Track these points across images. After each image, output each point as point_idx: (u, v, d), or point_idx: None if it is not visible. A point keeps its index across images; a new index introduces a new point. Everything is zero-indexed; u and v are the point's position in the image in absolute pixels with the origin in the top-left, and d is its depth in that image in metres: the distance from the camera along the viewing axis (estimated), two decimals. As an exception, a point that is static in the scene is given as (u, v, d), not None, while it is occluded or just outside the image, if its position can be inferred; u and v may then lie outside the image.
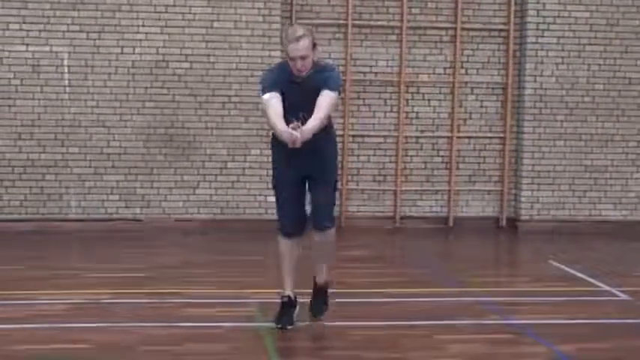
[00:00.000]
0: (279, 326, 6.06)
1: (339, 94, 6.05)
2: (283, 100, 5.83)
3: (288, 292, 6.21)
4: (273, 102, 5.81)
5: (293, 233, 6.17)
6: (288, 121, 5.75)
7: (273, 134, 6.06)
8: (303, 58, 5.77)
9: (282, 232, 6.20)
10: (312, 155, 5.90)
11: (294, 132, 5.57)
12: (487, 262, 9.70)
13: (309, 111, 5.78)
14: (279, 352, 5.71)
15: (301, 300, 6.32)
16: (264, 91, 5.88)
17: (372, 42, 11.25)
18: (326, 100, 5.83)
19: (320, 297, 6.35)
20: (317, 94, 5.81)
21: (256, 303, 6.85)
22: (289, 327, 6.08)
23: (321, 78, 5.88)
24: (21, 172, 10.48)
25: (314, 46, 5.85)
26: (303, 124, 5.70)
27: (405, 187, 11.40)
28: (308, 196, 6.16)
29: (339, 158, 11.06)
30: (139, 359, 5.53)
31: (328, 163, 6.16)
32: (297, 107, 5.81)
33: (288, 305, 6.18)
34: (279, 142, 5.85)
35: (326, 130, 6.00)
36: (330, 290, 6.44)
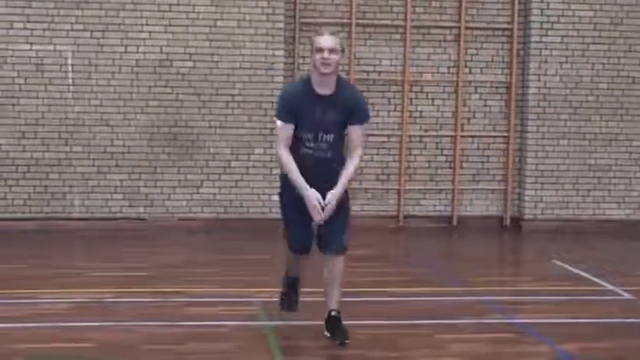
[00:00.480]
0: (285, 310, 6.18)
1: (369, 120, 5.99)
2: (302, 119, 5.67)
3: (295, 275, 6.21)
4: (284, 138, 5.70)
5: (301, 252, 6.03)
6: (302, 139, 5.68)
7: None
8: (331, 51, 5.61)
9: (291, 250, 6.07)
10: (326, 180, 5.73)
11: (318, 207, 5.60)
12: (490, 262, 9.70)
13: (327, 132, 5.68)
14: (283, 350, 5.71)
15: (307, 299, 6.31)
16: (278, 116, 5.75)
17: (376, 41, 11.25)
18: (360, 145, 5.78)
19: (339, 323, 5.92)
20: (341, 115, 5.68)
21: (260, 302, 6.85)
22: (296, 307, 6.20)
23: (352, 101, 5.75)
24: (25, 170, 10.49)
25: (343, 51, 5.74)
26: (318, 147, 5.67)
27: (408, 186, 11.39)
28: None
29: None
30: (142, 358, 5.54)
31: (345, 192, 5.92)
32: (317, 126, 5.68)
33: (291, 285, 6.22)
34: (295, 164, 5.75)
35: (341, 157, 5.88)
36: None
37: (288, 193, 5.85)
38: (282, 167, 5.83)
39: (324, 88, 5.71)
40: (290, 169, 5.71)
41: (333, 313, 5.89)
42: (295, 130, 5.72)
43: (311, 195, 5.64)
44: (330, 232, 5.81)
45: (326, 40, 5.63)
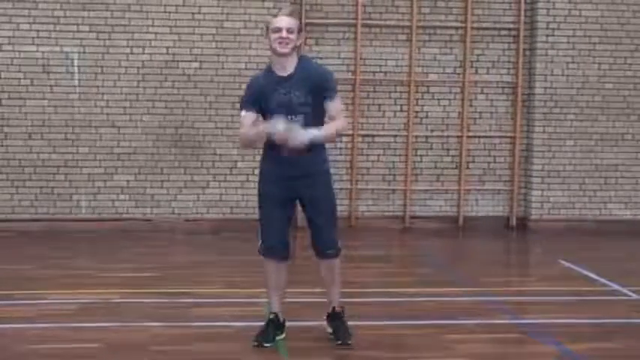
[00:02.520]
0: (255, 343, 5.72)
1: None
2: (268, 104, 5.55)
3: (275, 310, 5.89)
4: (246, 127, 5.59)
5: (280, 257, 5.80)
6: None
7: (263, 150, 5.77)
8: (289, 31, 5.48)
9: (268, 254, 5.82)
10: (308, 173, 5.63)
11: (283, 128, 5.36)
12: (497, 262, 9.68)
13: (295, 113, 5.51)
14: (290, 351, 5.71)
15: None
16: (241, 106, 5.68)
17: (382, 42, 11.24)
18: (339, 112, 5.64)
19: (342, 320, 5.91)
20: (306, 94, 5.53)
21: (265, 303, 6.85)
22: (266, 345, 5.72)
23: (315, 77, 5.59)
24: (31, 172, 10.51)
25: (301, 31, 5.61)
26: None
27: (414, 186, 11.39)
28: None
29: (349, 158, 11.10)
30: (149, 359, 5.54)
31: (326, 180, 5.79)
32: (285, 109, 5.50)
33: (273, 323, 5.85)
34: (271, 158, 5.67)
35: (323, 145, 5.73)
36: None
37: (267, 180, 5.74)
38: (244, 137, 5.68)
39: (285, 69, 5.58)
40: (250, 132, 5.56)
41: (337, 309, 5.90)
42: (265, 117, 5.59)
43: (267, 126, 5.45)
44: (321, 234, 5.73)
45: (283, 20, 5.53)
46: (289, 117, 5.49)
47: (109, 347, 5.72)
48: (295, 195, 5.75)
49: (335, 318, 5.92)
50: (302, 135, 5.43)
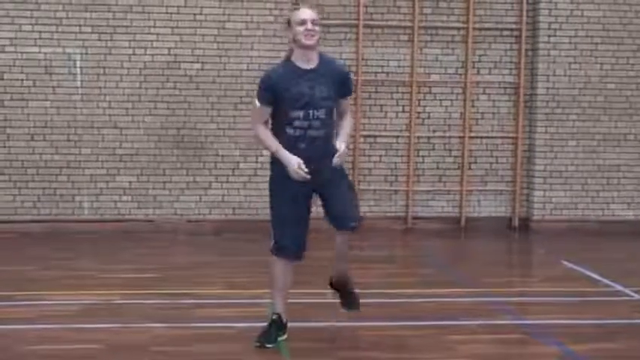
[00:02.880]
0: (257, 344, 5.69)
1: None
2: (287, 96, 5.46)
3: (279, 310, 5.85)
4: (260, 119, 5.55)
5: (293, 253, 5.70)
6: (290, 121, 5.46)
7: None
8: (314, 22, 5.47)
9: (281, 254, 5.70)
10: (323, 170, 5.50)
11: (302, 168, 5.36)
12: (499, 263, 9.67)
13: (318, 107, 5.46)
14: (292, 352, 5.70)
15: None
16: (258, 97, 5.57)
17: (384, 42, 11.24)
18: (349, 110, 5.71)
19: (351, 288, 5.97)
20: (329, 89, 5.50)
21: (268, 303, 6.84)
22: (269, 346, 5.69)
23: (339, 73, 5.62)
24: (34, 173, 10.52)
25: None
26: (310, 126, 5.46)
27: (416, 187, 11.38)
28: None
29: (351, 158, 11.10)
30: None
31: (341, 169, 5.71)
32: (307, 102, 5.45)
33: (276, 324, 5.81)
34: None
35: (332, 137, 5.66)
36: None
37: (280, 179, 5.59)
38: (262, 143, 5.66)
39: (309, 62, 5.56)
40: (270, 144, 5.51)
41: (347, 275, 5.93)
42: (280, 111, 5.51)
43: (292, 158, 5.40)
44: (344, 205, 5.61)
45: (307, 12, 5.53)
46: (312, 111, 5.47)
47: (111, 348, 5.72)
48: (309, 188, 5.60)
49: (344, 283, 5.96)
50: (343, 155, 5.50)
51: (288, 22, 5.61)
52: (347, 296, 6.01)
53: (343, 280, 5.98)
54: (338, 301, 6.06)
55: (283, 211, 5.65)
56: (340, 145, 5.51)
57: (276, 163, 5.61)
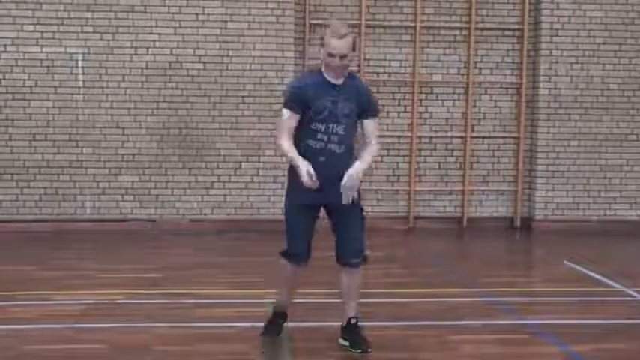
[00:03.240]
0: (266, 336, 5.83)
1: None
2: (313, 107, 5.47)
3: (284, 304, 5.92)
4: (287, 129, 5.49)
5: (302, 260, 5.73)
6: (312, 132, 5.48)
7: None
8: (342, 57, 5.43)
9: (291, 258, 5.72)
10: (337, 180, 5.40)
11: (313, 177, 5.29)
12: (501, 263, 9.67)
13: (338, 123, 5.49)
14: (293, 352, 5.71)
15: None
16: (285, 104, 5.57)
17: (386, 42, 11.25)
18: (375, 135, 5.62)
19: (359, 330, 5.80)
20: (353, 106, 5.51)
21: (270, 303, 6.84)
22: (279, 335, 5.83)
23: (364, 92, 5.60)
24: (36, 172, 10.53)
25: (354, 49, 5.54)
26: (329, 140, 5.45)
27: (418, 187, 11.39)
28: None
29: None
30: (153, 359, 5.55)
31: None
32: (329, 116, 5.48)
33: (277, 314, 5.91)
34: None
35: (353, 153, 5.65)
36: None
37: (295, 192, 5.60)
38: (283, 153, 5.59)
39: (337, 78, 5.55)
40: (289, 155, 5.46)
41: (352, 321, 5.77)
42: (304, 121, 5.51)
43: (304, 165, 5.33)
44: (350, 241, 5.62)
45: (339, 48, 5.41)
46: (332, 126, 5.49)
47: (113, 348, 5.72)
48: (323, 202, 5.62)
49: (352, 328, 5.78)
50: (357, 180, 5.40)
51: (322, 41, 5.53)
52: (358, 338, 5.77)
53: (354, 323, 5.80)
54: (346, 343, 5.81)
55: (295, 222, 5.69)
56: (353, 167, 5.42)
57: (292, 176, 5.61)
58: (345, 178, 5.36)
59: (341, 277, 5.76)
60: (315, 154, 5.50)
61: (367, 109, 5.62)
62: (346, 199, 5.40)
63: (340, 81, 5.55)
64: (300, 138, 5.57)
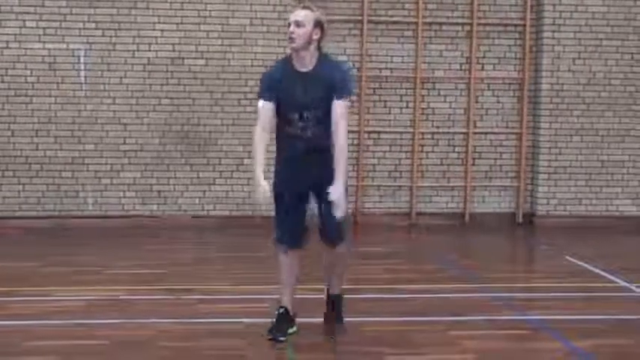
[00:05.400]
0: (269, 337, 5.74)
1: (351, 95, 5.75)
2: (284, 97, 5.52)
3: (285, 304, 5.88)
4: (263, 118, 5.55)
5: (294, 246, 5.79)
6: (288, 121, 5.54)
7: (277, 140, 5.73)
8: (297, 24, 5.46)
9: (282, 244, 5.81)
10: (321, 166, 5.56)
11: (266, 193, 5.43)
12: (503, 258, 9.68)
13: (312, 109, 5.50)
14: (296, 347, 5.71)
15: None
16: (258, 95, 5.65)
17: (388, 38, 11.23)
18: (342, 120, 5.50)
19: (334, 309, 6.04)
20: (323, 92, 5.48)
21: (272, 299, 6.85)
22: (282, 339, 5.73)
23: (331, 76, 5.54)
24: (38, 169, 10.53)
25: (319, 26, 5.52)
26: (306, 127, 5.50)
27: (420, 183, 11.38)
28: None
29: (355, 154, 11.09)
30: (156, 355, 5.55)
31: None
32: (301, 105, 5.51)
33: (283, 317, 5.84)
34: (286, 151, 5.64)
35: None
36: (344, 298, 6.19)
37: (281, 179, 5.71)
38: (253, 149, 5.64)
39: (303, 64, 5.56)
40: (255, 149, 5.56)
41: (333, 294, 5.98)
42: (280, 111, 5.56)
43: (260, 184, 5.43)
44: (330, 220, 5.63)
45: (294, 15, 5.51)
46: (305, 113, 5.51)
47: (116, 344, 5.73)
48: (308, 186, 5.70)
49: (330, 303, 6.00)
50: (341, 195, 5.45)
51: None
52: (332, 314, 6.04)
53: (335, 296, 6.01)
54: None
55: (282, 207, 5.76)
56: (334, 187, 5.44)
57: (278, 159, 5.73)
58: (331, 198, 5.42)
59: (324, 257, 5.91)
60: (293, 141, 5.59)
61: (335, 89, 5.52)
62: (340, 212, 5.49)
63: (309, 68, 5.56)
64: (279, 127, 5.66)
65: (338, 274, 6.02)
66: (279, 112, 5.61)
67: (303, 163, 5.59)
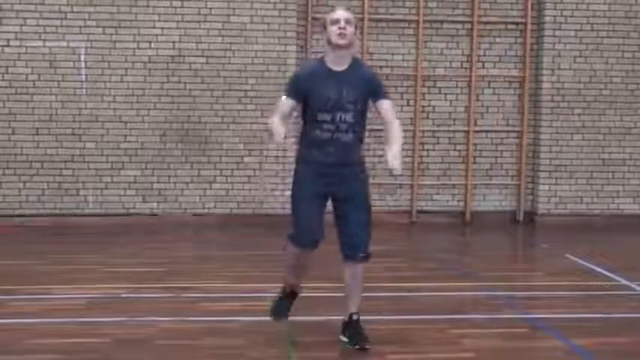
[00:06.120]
0: (274, 317, 5.81)
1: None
2: (316, 96, 5.42)
3: (293, 284, 5.84)
4: (280, 112, 5.44)
5: (309, 246, 5.63)
6: (319, 123, 5.43)
7: (302, 145, 5.62)
8: (347, 21, 5.41)
9: (297, 243, 5.63)
10: (348, 177, 5.52)
11: (281, 136, 5.25)
12: (504, 257, 9.67)
13: (345, 111, 5.42)
14: (296, 345, 5.71)
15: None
16: (285, 91, 5.55)
17: (389, 36, 11.23)
18: (393, 112, 5.53)
19: (360, 327, 5.71)
20: (358, 92, 5.44)
21: (273, 297, 6.85)
22: (284, 319, 5.80)
23: (369, 76, 5.54)
24: (39, 167, 10.54)
25: (357, 28, 5.59)
26: (337, 130, 5.41)
27: (421, 181, 11.38)
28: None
29: (356, 152, 11.08)
30: (156, 353, 5.55)
31: (362, 180, 5.67)
32: (333, 105, 5.40)
33: (288, 296, 5.84)
34: (312, 155, 5.52)
35: (361, 143, 5.64)
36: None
37: (302, 179, 5.58)
38: (269, 122, 5.45)
39: (339, 64, 5.49)
40: (270, 119, 5.38)
41: (354, 317, 5.72)
42: (309, 112, 5.49)
43: (276, 129, 5.28)
44: (355, 235, 5.56)
45: (341, 13, 5.48)
46: (339, 114, 5.43)
47: (116, 342, 5.73)
48: (330, 192, 5.59)
49: (354, 325, 5.73)
50: (396, 156, 5.39)
51: (324, 25, 5.55)
52: (358, 335, 5.71)
53: (356, 320, 5.73)
54: (346, 339, 5.76)
55: (301, 207, 5.61)
56: (392, 148, 5.41)
57: (300, 162, 5.63)
58: (392, 161, 5.35)
59: (344, 272, 5.72)
60: (323, 144, 5.48)
61: (376, 91, 5.53)
62: (398, 168, 5.38)
63: (343, 67, 5.50)
64: (307, 130, 5.55)
65: (360, 292, 5.78)
66: (308, 114, 5.51)
67: (329, 161, 5.47)
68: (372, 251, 5.70)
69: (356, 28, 5.57)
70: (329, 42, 5.50)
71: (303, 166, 5.59)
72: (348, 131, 5.48)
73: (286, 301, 5.87)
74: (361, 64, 5.70)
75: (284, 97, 5.52)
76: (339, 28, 5.43)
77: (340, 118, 5.44)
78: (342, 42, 5.45)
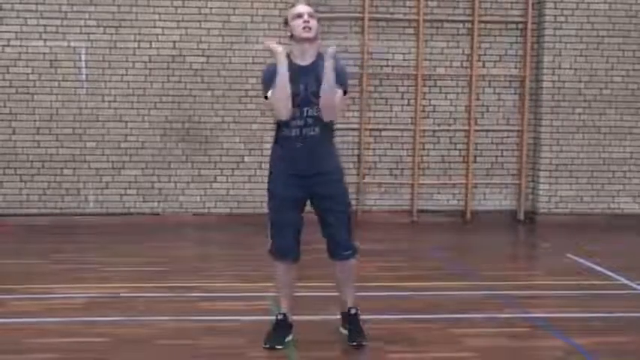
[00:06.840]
0: (267, 345, 5.58)
1: (347, 89, 5.58)
2: None
3: (284, 310, 5.76)
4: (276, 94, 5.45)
5: (290, 258, 5.65)
6: (290, 119, 5.42)
7: (274, 144, 5.63)
8: (311, 16, 5.41)
9: (277, 255, 5.65)
10: (320, 171, 5.49)
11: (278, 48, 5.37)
12: (505, 256, 9.67)
13: (311, 105, 5.41)
14: (297, 345, 5.71)
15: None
16: (264, 91, 5.55)
17: (389, 35, 11.23)
18: (340, 98, 5.45)
19: (358, 322, 5.74)
20: (319, 84, 5.39)
21: (273, 297, 6.85)
22: (278, 347, 5.59)
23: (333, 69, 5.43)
24: (39, 166, 10.54)
25: (317, 21, 5.55)
26: (305, 126, 5.40)
27: (422, 180, 11.38)
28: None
29: (356, 152, 11.09)
30: (156, 353, 5.55)
31: (339, 177, 5.63)
32: (301, 100, 5.40)
33: (281, 324, 5.72)
34: (284, 155, 5.52)
35: (332, 137, 5.60)
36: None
37: (278, 184, 5.56)
38: (276, 95, 5.45)
39: (305, 58, 5.51)
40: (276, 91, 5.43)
41: (352, 311, 5.74)
42: None
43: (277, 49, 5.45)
44: (336, 234, 5.56)
45: (303, 7, 5.49)
46: (306, 109, 5.43)
47: (117, 341, 5.73)
48: (307, 194, 5.58)
49: (352, 320, 5.74)
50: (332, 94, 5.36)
51: (286, 21, 5.58)
52: (354, 331, 5.74)
53: (354, 315, 5.75)
54: (344, 331, 5.81)
55: (280, 214, 5.61)
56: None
57: (274, 166, 5.62)
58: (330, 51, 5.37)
59: (335, 271, 5.74)
60: (292, 141, 5.47)
61: (340, 83, 5.45)
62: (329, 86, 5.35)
63: (308, 62, 5.51)
64: (278, 129, 5.57)
65: (351, 285, 5.81)
66: None
67: (300, 162, 5.47)
68: (357, 245, 5.72)
69: (318, 22, 5.56)
70: (292, 36, 5.53)
71: (277, 168, 5.59)
72: (315, 125, 5.46)
73: (281, 330, 5.71)
74: (327, 58, 5.52)
75: (269, 93, 5.50)
76: (304, 21, 5.45)
77: (306, 112, 5.44)
78: (307, 35, 5.46)
